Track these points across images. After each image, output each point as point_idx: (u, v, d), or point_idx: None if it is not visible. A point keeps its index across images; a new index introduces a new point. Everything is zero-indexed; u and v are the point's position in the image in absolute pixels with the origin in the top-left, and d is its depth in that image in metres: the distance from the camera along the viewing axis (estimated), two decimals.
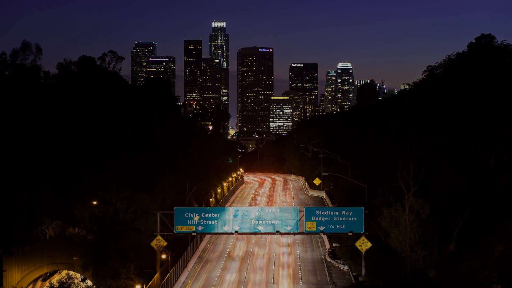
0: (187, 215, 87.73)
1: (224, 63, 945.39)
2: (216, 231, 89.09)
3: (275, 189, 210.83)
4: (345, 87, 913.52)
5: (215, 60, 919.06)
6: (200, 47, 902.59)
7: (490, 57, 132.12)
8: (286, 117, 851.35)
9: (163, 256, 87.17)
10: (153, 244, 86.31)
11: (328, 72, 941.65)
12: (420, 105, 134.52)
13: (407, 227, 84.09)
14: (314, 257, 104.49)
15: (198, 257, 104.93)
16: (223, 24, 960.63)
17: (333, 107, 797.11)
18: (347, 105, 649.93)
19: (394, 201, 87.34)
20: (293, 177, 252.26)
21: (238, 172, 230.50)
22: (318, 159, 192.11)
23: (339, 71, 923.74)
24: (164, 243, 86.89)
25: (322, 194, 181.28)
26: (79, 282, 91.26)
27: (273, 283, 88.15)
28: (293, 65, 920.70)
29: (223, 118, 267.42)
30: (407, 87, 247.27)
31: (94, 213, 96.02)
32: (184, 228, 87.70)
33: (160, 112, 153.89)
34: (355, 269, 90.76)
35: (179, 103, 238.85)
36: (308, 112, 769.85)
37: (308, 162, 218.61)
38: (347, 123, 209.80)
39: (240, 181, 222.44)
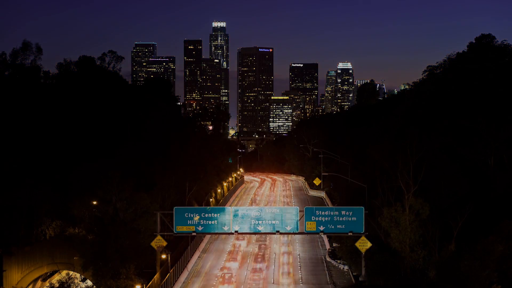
0: (187, 215, 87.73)
1: (224, 63, 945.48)
2: (216, 231, 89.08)
3: (275, 189, 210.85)
4: (345, 87, 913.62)
5: (215, 60, 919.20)
6: (200, 47, 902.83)
7: (490, 57, 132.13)
8: (286, 117, 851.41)
9: (163, 256, 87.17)
10: (153, 244, 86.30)
11: (328, 72, 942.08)
12: (420, 105, 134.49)
13: (407, 227, 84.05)
14: (314, 257, 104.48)
15: (198, 257, 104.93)
16: (223, 24, 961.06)
17: (333, 107, 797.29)
18: (347, 105, 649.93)
19: (394, 201, 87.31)
20: (293, 177, 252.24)
21: (238, 172, 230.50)
22: (318, 159, 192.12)
23: (339, 71, 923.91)
24: (164, 243, 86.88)
25: (322, 194, 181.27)
26: (79, 282, 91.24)
27: (273, 283, 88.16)
28: (293, 65, 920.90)
29: (223, 118, 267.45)
30: (407, 87, 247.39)
31: (94, 213, 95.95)
32: (184, 228, 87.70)
33: (160, 112, 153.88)
34: (355, 269, 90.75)
35: (179, 103, 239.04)
36: (308, 112, 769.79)
37: (308, 162, 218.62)
38: (347, 123, 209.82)
39: (240, 181, 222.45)
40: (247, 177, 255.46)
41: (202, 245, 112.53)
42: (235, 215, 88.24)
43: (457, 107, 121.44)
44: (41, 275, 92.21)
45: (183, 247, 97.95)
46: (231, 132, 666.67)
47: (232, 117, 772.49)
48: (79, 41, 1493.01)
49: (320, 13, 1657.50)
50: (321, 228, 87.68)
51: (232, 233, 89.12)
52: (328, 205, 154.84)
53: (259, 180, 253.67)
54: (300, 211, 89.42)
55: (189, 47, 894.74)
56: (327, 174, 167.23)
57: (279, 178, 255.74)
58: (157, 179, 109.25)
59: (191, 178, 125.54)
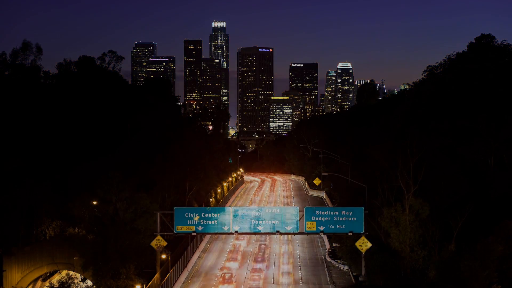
0: (187, 215, 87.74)
1: (224, 63, 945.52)
2: (216, 231, 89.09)
3: (275, 189, 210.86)
4: (345, 87, 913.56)
5: (215, 60, 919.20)
6: (200, 47, 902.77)
7: (490, 57, 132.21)
8: (286, 117, 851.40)
9: (163, 256, 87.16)
10: (153, 244, 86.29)
11: (328, 72, 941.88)
12: (420, 105, 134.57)
13: (407, 227, 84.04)
14: (314, 257, 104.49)
15: (198, 257, 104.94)
16: (223, 24, 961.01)
17: (333, 107, 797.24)
18: (347, 105, 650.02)
19: (394, 201, 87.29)
20: (293, 177, 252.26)
21: (238, 172, 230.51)
22: (318, 159, 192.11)
23: (339, 71, 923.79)
24: (164, 243, 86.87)
25: (322, 194, 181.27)
26: (79, 282, 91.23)
27: (273, 283, 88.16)
28: (293, 65, 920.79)
29: (223, 118, 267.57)
30: (407, 87, 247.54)
31: (94, 213, 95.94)
32: (184, 228, 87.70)
33: (160, 112, 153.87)
34: (355, 269, 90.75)
35: (179, 103, 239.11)
36: (308, 112, 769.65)
37: (308, 162, 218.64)
38: (347, 123, 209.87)
39: (240, 181, 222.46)
40: (247, 177, 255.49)
41: (202, 245, 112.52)
42: (235, 215, 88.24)
43: (457, 107, 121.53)
44: (41, 275, 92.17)
45: (183, 247, 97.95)
46: (231, 132, 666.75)
47: (232, 117, 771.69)
48: (79, 41, 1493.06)
49: (320, 13, 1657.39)
50: (321, 228, 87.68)
51: (232, 233, 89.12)
52: (328, 205, 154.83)
53: (259, 180, 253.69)
54: (300, 211, 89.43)
55: (189, 47, 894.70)
56: (327, 174, 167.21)
57: (279, 178, 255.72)
58: (157, 179, 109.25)
59: (191, 178, 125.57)
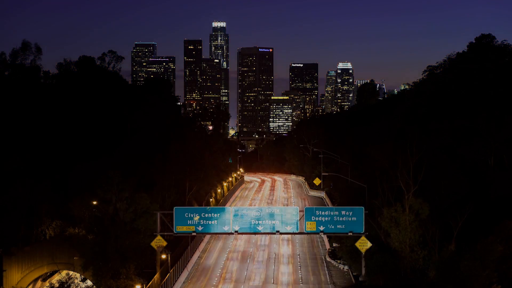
0: (187, 215, 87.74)
1: (224, 63, 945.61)
2: (216, 231, 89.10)
3: (275, 189, 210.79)
4: (345, 87, 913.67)
5: (215, 60, 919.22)
6: (200, 47, 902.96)
7: (490, 57, 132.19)
8: (286, 117, 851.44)
9: (163, 256, 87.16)
10: (153, 244, 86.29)
11: (328, 72, 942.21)
12: (420, 105, 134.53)
13: (407, 227, 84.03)
14: (314, 257, 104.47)
15: (198, 257, 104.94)
16: (223, 24, 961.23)
17: (333, 107, 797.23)
18: (347, 105, 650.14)
19: (394, 201, 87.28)
20: (293, 177, 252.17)
21: (238, 172, 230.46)
22: (318, 159, 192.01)
23: (339, 71, 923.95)
24: (164, 243, 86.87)
25: (322, 194, 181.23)
26: (79, 282, 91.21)
27: (273, 283, 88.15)
28: (293, 65, 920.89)
29: (223, 118, 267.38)
30: (407, 87, 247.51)
31: (94, 213, 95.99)
32: (184, 228, 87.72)
33: (160, 112, 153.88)
34: (355, 269, 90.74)
35: (179, 103, 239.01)
36: (308, 112, 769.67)
37: (308, 162, 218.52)
38: (347, 123, 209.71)
39: (240, 181, 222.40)
40: (247, 177, 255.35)
41: (202, 245, 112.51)
42: (235, 215, 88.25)
43: (457, 107, 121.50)
44: (41, 275, 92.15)
45: (183, 247, 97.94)
46: (231, 132, 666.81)
47: (232, 117, 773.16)
48: (79, 41, 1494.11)
49: (320, 13, 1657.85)
50: (321, 228, 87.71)
51: (232, 233, 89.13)
52: (328, 205, 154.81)
53: (259, 180, 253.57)
54: (300, 211, 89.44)
55: (189, 47, 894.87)
56: (327, 174, 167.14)
57: (279, 178, 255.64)
58: (157, 179, 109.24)
59: (191, 178, 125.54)
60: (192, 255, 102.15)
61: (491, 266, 74.39)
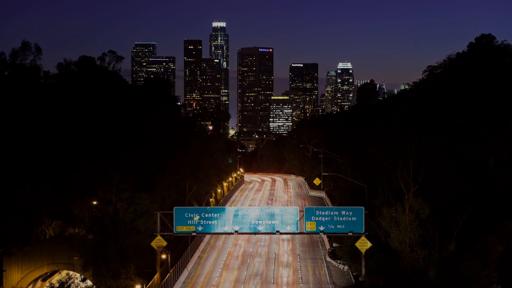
0: (187, 215, 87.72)
1: (224, 63, 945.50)
2: (216, 231, 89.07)
3: (275, 189, 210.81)
4: (345, 87, 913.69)
5: (215, 60, 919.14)
6: (200, 47, 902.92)
7: (490, 57, 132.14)
8: (286, 117, 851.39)
9: (163, 256, 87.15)
10: (153, 244, 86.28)
11: (328, 72, 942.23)
12: (420, 105, 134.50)
13: (407, 227, 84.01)
14: (314, 257, 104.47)
15: (198, 257, 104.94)
16: (223, 24, 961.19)
17: (333, 107, 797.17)
18: (347, 105, 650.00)
19: (394, 201, 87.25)
20: (293, 177, 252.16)
21: (238, 172, 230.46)
22: (318, 159, 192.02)
23: (339, 71, 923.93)
24: (164, 243, 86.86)
25: (322, 194, 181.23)
26: (79, 282, 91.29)
27: (272, 282, 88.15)
28: (293, 65, 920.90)
29: (223, 118, 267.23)
30: (407, 87, 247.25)
31: (94, 213, 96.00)
32: (184, 228, 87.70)
33: (160, 112, 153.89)
34: (355, 269, 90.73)
35: (179, 103, 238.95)
36: (308, 112, 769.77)
37: (308, 162, 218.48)
38: (347, 123, 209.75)
39: (240, 181, 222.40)
40: (247, 177, 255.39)
41: (202, 245, 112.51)
42: (235, 215, 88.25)
43: (457, 107, 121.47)
44: (41, 275, 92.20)
45: (183, 247, 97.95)
46: (231, 132, 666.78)
47: (232, 117, 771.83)
48: (79, 41, 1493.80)
49: (320, 13, 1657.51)
50: (321, 228, 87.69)
51: (232, 233, 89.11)
52: (328, 205, 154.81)
53: (259, 180, 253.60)
54: (300, 211, 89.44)
55: (189, 47, 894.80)
56: (327, 174, 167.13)
57: (279, 178, 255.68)
58: (157, 179, 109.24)
59: (191, 178, 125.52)
60: (192, 255, 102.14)
61: (491, 266, 74.38)
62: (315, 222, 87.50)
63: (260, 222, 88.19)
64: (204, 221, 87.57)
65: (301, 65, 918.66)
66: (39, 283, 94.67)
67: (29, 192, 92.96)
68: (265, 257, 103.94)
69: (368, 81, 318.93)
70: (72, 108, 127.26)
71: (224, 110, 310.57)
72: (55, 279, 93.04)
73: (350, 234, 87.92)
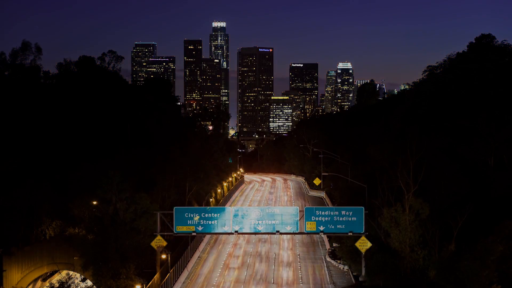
0: (187, 215, 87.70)
1: (224, 63, 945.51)
2: (216, 231, 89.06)
3: (275, 189, 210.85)
4: (345, 87, 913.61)
5: (215, 60, 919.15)
6: (200, 47, 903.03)
7: (490, 57, 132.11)
8: (286, 117, 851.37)
9: (163, 256, 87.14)
10: (153, 244, 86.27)
11: (328, 72, 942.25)
12: (420, 105, 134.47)
13: (407, 227, 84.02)
14: (314, 257, 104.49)
15: (198, 257, 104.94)
16: (223, 24, 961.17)
17: (333, 107, 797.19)
18: (347, 105, 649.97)
19: (394, 201, 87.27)
20: (293, 177, 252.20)
21: (238, 172, 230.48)
22: (318, 159, 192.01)
23: (339, 71, 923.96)
24: (164, 243, 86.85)
25: (322, 194, 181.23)
26: (79, 282, 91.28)
27: (273, 282, 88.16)
28: (293, 65, 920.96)
29: (223, 118, 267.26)
30: (407, 87, 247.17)
31: (94, 213, 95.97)
32: (184, 228, 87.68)
33: (160, 112, 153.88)
34: (355, 269, 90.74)
35: (179, 103, 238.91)
36: (308, 112, 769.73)
37: (308, 162, 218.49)
38: (347, 123, 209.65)
39: (240, 181, 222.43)
40: (247, 177, 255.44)
41: (202, 245, 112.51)
42: (235, 215, 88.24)
43: (457, 107, 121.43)
44: (41, 275, 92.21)
45: (183, 247, 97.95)
46: (231, 132, 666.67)
47: (232, 117, 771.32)
48: (79, 41, 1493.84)
49: (320, 13, 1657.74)
50: (321, 228, 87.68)
51: (232, 233, 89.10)
52: (328, 205, 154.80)
53: (259, 180, 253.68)
54: (300, 211, 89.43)
55: (189, 47, 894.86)
56: (327, 174, 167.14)
57: (279, 178, 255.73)
58: (157, 179, 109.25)
59: (191, 178, 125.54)
60: (192, 255, 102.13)
61: (491, 266, 74.38)
62: (315, 222, 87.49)
63: (260, 222, 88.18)
64: (204, 221, 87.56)
65: (301, 65, 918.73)
66: (39, 283, 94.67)
67: (29, 192, 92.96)
68: (265, 257, 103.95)
69: (368, 81, 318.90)
70: (72, 108, 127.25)
71: (224, 110, 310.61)
72: (55, 279, 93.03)
73: (350, 234, 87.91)
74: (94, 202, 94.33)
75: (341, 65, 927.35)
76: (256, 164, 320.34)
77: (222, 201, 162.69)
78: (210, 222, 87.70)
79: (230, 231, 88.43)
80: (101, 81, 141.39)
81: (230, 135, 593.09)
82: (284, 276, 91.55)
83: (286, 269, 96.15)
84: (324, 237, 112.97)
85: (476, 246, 76.36)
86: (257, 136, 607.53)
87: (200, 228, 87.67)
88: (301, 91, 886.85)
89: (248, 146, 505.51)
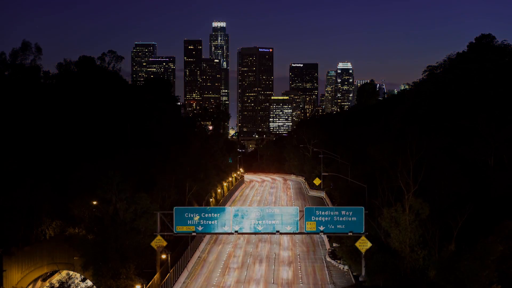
0: (187, 215, 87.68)
1: (224, 63, 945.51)
2: (216, 231, 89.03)
3: (275, 189, 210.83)
4: (345, 87, 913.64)
5: (215, 60, 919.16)
6: (200, 47, 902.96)
7: (490, 57, 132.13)
8: (286, 117, 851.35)
9: (163, 256, 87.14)
10: (153, 244, 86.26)
11: (328, 72, 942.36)
12: (420, 105, 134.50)
13: (407, 227, 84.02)
14: (314, 257, 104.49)
15: (198, 257, 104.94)
16: (223, 24, 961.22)
17: (333, 107, 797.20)
18: (347, 105, 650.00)
19: (394, 201, 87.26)
20: (293, 177, 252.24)
21: (238, 172, 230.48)
22: (318, 159, 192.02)
23: (339, 71, 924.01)
24: (164, 243, 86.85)
25: (322, 194, 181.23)
26: (79, 282, 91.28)
27: (273, 282, 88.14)
28: (293, 65, 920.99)
29: (223, 118, 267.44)
30: (407, 87, 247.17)
31: (94, 213, 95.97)
32: (184, 228, 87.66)
33: (160, 112, 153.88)
34: (355, 269, 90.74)
35: (179, 103, 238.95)
36: (308, 112, 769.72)
37: (308, 162, 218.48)
38: (347, 123, 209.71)
39: (240, 181, 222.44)
40: (247, 177, 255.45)
41: (202, 245, 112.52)
42: (235, 215, 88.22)
43: (457, 107, 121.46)
44: (41, 275, 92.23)
45: (183, 247, 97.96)
46: (231, 132, 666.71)
47: (232, 117, 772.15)
48: (79, 41, 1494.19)
49: (320, 13, 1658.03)
50: (321, 228, 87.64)
51: (232, 233, 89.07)
52: (328, 205, 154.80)
53: (259, 180, 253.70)
54: (300, 211, 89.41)
55: (189, 47, 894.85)
56: (327, 174, 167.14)
57: (279, 178, 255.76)
58: (157, 179, 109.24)
59: (191, 178, 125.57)
60: (192, 255, 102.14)
61: (491, 266, 74.38)
62: (315, 222, 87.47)
63: (260, 222, 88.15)
64: (204, 221, 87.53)
65: (301, 65, 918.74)
66: (39, 283, 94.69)
67: (29, 192, 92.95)
68: (265, 257, 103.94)
69: (368, 81, 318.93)
70: (72, 108, 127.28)
71: (224, 110, 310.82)
72: (55, 279, 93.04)
73: (350, 234, 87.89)
74: (94, 202, 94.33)
75: (341, 65, 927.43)
76: (256, 164, 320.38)
77: (222, 201, 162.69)
78: (210, 222, 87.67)
79: (230, 231, 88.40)
80: (101, 81, 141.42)
81: (230, 135, 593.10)
82: (284, 276, 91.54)
83: (286, 269, 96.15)
84: (324, 237, 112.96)
85: (476, 246, 76.37)
86: (257, 136, 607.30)
87: (200, 228, 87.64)
88: (301, 91, 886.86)
89: (248, 146, 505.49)
